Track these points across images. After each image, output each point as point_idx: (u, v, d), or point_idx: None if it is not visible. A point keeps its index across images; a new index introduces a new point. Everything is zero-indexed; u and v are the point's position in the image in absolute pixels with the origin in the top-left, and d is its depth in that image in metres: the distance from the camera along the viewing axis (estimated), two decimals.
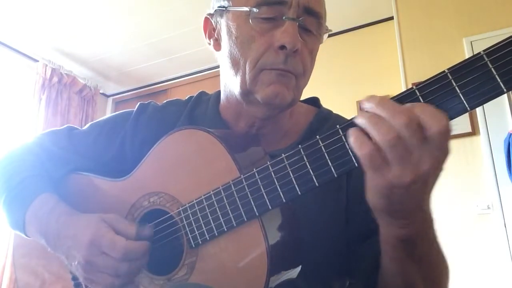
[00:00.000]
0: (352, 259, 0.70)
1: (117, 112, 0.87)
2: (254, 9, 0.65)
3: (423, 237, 0.53)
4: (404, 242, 0.52)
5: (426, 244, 0.54)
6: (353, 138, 0.46)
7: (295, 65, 0.65)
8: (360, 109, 0.47)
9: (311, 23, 0.67)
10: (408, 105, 0.44)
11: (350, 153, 0.49)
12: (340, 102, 2.71)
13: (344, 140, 0.49)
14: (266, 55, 0.65)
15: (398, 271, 0.58)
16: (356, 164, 0.48)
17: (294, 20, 0.64)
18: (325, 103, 0.84)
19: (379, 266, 0.63)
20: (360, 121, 0.46)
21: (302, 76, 0.68)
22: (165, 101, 0.86)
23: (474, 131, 2.29)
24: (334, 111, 0.83)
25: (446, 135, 0.43)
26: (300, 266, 0.59)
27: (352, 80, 2.92)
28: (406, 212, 0.49)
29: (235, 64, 0.68)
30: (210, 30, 0.75)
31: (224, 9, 0.70)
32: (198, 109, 0.82)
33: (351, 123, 0.49)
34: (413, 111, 0.43)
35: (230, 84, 0.72)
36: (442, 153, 0.44)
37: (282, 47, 0.63)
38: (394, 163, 0.44)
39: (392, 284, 0.60)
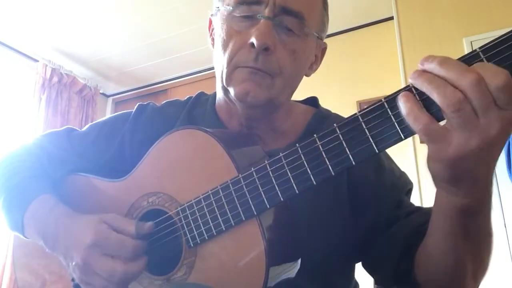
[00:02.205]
0: (376, 250, 0.69)
1: (116, 113, 0.87)
2: (233, 8, 0.67)
3: (482, 210, 0.49)
4: (464, 214, 0.49)
5: (484, 217, 0.51)
6: (406, 111, 0.43)
7: (268, 64, 0.65)
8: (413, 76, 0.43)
9: (291, 23, 0.66)
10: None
11: (348, 151, 0.49)
12: (340, 102, 2.72)
13: (341, 138, 0.49)
14: (240, 52, 0.66)
15: (451, 248, 0.54)
16: (353, 162, 0.48)
17: (269, 18, 0.64)
18: (325, 103, 0.84)
19: (411, 248, 0.62)
20: (419, 82, 0.42)
21: (278, 75, 0.67)
22: (164, 101, 0.86)
23: None
24: (334, 111, 0.83)
25: (508, 91, 0.39)
26: (299, 265, 0.59)
27: (352, 80, 2.92)
28: (472, 181, 0.45)
29: (218, 61, 0.70)
30: (211, 30, 0.77)
31: (218, 9, 0.72)
32: (197, 110, 0.82)
33: (351, 120, 0.49)
34: (478, 70, 0.40)
35: (217, 82, 0.74)
36: (510, 113, 0.40)
37: (253, 45, 0.64)
38: (458, 129, 0.41)
39: (440, 264, 0.57)
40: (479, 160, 0.42)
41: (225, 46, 0.68)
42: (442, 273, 0.57)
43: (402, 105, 0.43)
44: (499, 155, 0.44)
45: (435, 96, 0.41)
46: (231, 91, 0.67)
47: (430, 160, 0.45)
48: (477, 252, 0.55)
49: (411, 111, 0.43)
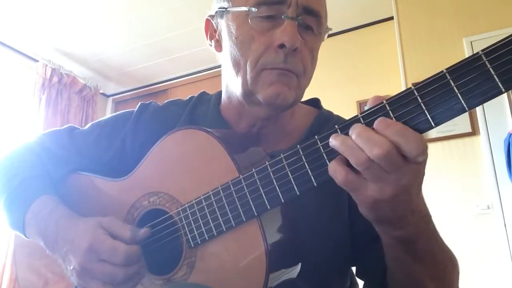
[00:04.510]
0: (363, 261, 0.71)
1: (118, 112, 0.87)
2: (253, 9, 0.65)
3: (420, 236, 0.53)
4: (403, 243, 0.53)
5: (426, 241, 0.54)
6: (329, 167, 0.48)
7: (295, 64, 0.65)
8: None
9: (311, 22, 0.67)
10: (384, 129, 0.44)
11: None
12: (340, 102, 2.72)
13: None
14: (266, 54, 0.64)
15: (404, 271, 0.58)
16: None
17: (293, 19, 0.64)
18: (325, 103, 0.84)
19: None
20: (336, 144, 0.47)
21: (302, 75, 0.67)
22: (166, 101, 0.86)
23: (474, 131, 2.29)
24: (334, 111, 0.83)
25: (425, 155, 0.43)
26: (300, 266, 0.59)
27: (352, 80, 2.92)
28: (397, 218, 0.50)
29: (236, 65, 0.68)
30: (211, 31, 0.76)
31: (225, 10, 0.70)
32: (199, 109, 0.81)
33: (352, 122, 0.49)
34: (390, 138, 0.43)
35: (232, 85, 0.72)
36: (423, 165, 0.45)
37: (282, 46, 0.63)
38: (372, 181, 0.45)
39: (402, 285, 0.60)
40: (397, 203, 0.47)
41: (245, 49, 0.66)
42: None
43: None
44: (419, 191, 0.49)
45: (347, 155, 0.45)
46: (258, 94, 0.66)
47: (357, 203, 0.50)
48: (434, 272, 0.58)
49: (331, 166, 0.48)
